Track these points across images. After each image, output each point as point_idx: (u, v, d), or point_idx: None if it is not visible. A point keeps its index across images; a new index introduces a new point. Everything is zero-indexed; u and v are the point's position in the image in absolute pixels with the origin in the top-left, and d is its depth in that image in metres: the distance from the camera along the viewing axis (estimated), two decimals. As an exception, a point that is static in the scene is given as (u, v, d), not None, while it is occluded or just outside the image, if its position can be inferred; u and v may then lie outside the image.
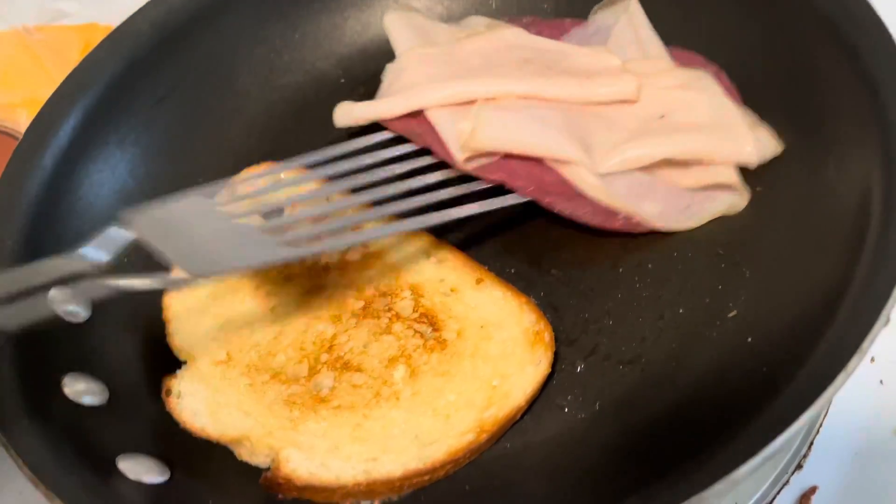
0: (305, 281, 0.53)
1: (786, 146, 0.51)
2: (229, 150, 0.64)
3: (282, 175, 0.56)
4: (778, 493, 0.49)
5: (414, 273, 0.52)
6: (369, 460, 0.45)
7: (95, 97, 0.60)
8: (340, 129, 0.63)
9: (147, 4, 0.64)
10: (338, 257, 0.54)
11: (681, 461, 0.39)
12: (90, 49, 0.81)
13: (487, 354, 0.48)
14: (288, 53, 0.68)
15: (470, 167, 0.53)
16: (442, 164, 0.54)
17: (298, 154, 0.60)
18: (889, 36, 0.47)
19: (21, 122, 0.77)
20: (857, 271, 0.40)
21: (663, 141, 0.52)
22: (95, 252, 0.44)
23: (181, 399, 0.49)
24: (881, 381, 0.51)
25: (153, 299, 0.55)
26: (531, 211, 0.55)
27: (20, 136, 0.74)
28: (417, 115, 0.57)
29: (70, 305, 0.51)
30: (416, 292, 0.51)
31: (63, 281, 0.44)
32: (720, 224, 0.51)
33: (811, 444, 0.49)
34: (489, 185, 0.53)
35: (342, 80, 0.67)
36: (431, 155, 0.55)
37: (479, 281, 0.51)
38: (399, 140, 0.57)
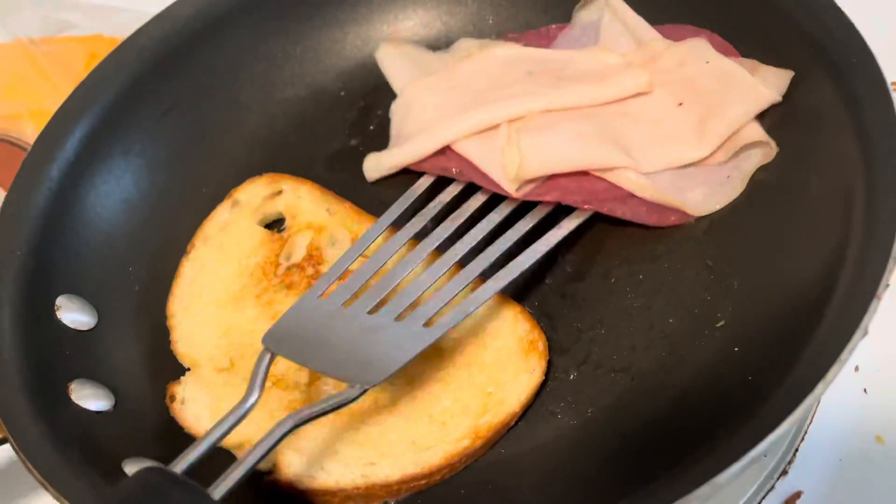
0: (306, 289, 0.55)
1: (770, 163, 0.53)
2: (231, 162, 0.65)
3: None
4: (763, 498, 0.50)
5: (411, 283, 0.54)
6: (368, 465, 0.46)
7: (101, 111, 0.62)
8: (342, 143, 0.65)
9: (151, 20, 0.66)
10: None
11: (669, 467, 0.41)
12: (95, 60, 0.83)
13: (483, 362, 0.49)
14: (289, 68, 0.69)
15: (522, 194, 0.53)
16: (494, 195, 0.55)
17: (299, 167, 0.63)
18: (871, 57, 0.49)
19: (27, 132, 0.78)
20: (838, 285, 0.41)
21: (701, 140, 0.53)
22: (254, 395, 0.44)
23: (185, 405, 0.50)
24: (865, 390, 0.53)
25: (158, 307, 0.56)
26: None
27: (26, 147, 0.77)
28: (445, 150, 0.57)
29: (76, 314, 0.53)
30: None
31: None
32: (710, 236, 0.53)
33: (796, 450, 0.51)
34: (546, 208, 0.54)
35: (342, 94, 0.68)
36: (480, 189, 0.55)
37: (474, 290, 0.53)
38: (442, 181, 0.57)
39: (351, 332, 0.47)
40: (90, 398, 0.49)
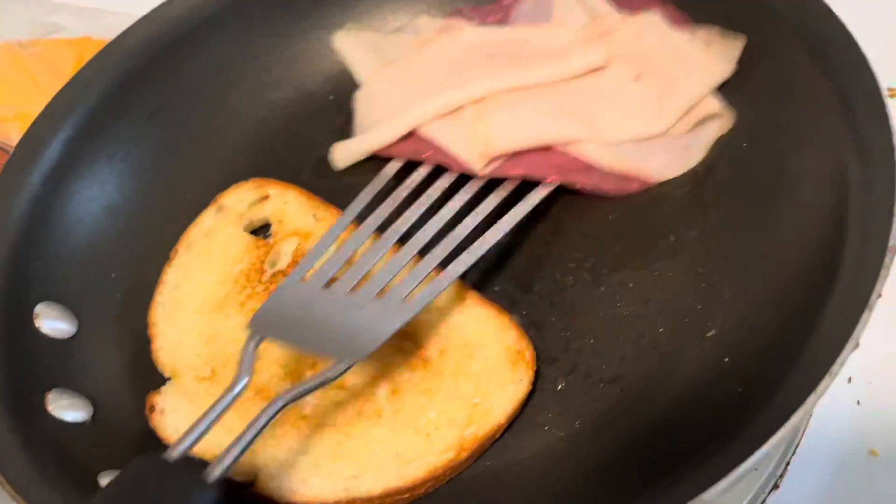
0: (291, 297, 0.54)
1: (758, 174, 0.52)
2: (218, 166, 0.64)
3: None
4: (755, 512, 0.49)
5: (398, 291, 0.53)
6: (350, 478, 0.45)
7: (85, 113, 0.61)
8: (330, 148, 0.64)
9: (138, 21, 0.65)
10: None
11: (657, 481, 0.40)
12: (84, 63, 0.83)
13: (469, 373, 0.48)
14: (278, 71, 0.68)
15: (488, 171, 0.54)
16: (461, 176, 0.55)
17: (286, 172, 0.62)
18: (866, 61, 0.48)
19: (13, 136, 0.77)
20: (829, 296, 0.40)
21: (660, 114, 0.55)
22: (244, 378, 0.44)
23: (165, 415, 0.49)
24: (858, 402, 0.52)
25: (139, 315, 0.55)
26: (515, 226, 0.56)
27: (11, 150, 0.76)
28: (411, 135, 0.58)
29: (55, 322, 0.52)
30: (400, 310, 0.52)
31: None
32: (700, 244, 0.52)
33: (788, 463, 0.50)
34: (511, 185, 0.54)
35: (331, 97, 0.67)
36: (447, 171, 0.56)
37: (461, 299, 0.52)
38: (411, 165, 0.57)
39: (333, 311, 0.48)
40: (67, 409, 0.48)
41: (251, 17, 0.68)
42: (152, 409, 0.49)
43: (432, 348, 0.50)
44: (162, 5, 0.66)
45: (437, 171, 0.56)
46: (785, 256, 0.47)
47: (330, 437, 0.47)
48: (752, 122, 0.54)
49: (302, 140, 0.65)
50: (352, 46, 0.67)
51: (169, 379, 0.51)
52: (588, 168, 0.55)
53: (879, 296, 0.38)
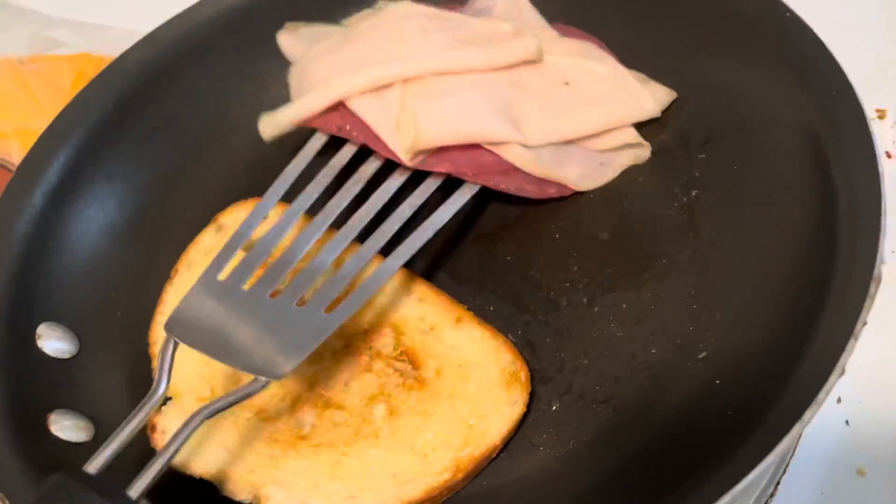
0: (289, 318, 0.54)
1: (748, 197, 0.53)
2: (216, 185, 0.65)
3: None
4: (745, 531, 0.50)
5: (395, 310, 0.54)
6: (348, 498, 0.46)
7: (85, 135, 0.62)
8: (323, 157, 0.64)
9: (136, 43, 0.66)
10: (321, 294, 0.55)
11: (649, 501, 0.41)
12: (82, 79, 0.83)
13: (465, 394, 0.49)
14: (275, 90, 0.69)
15: (414, 163, 0.55)
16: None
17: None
18: (850, 86, 0.49)
19: (12, 152, 0.78)
20: (817, 321, 0.41)
21: (585, 118, 0.57)
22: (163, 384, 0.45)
23: (165, 435, 0.50)
24: (847, 422, 0.53)
25: (140, 335, 0.56)
26: (511, 247, 0.57)
27: (11, 167, 0.76)
28: (340, 108, 0.57)
29: (57, 342, 0.52)
30: (397, 330, 0.53)
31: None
32: (693, 265, 0.53)
33: (778, 483, 0.51)
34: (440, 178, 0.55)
35: (328, 116, 0.68)
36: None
37: (458, 320, 0.52)
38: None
39: (252, 319, 0.47)
40: (70, 429, 0.49)
41: (248, 37, 0.69)
42: (153, 429, 0.50)
43: (428, 369, 0.51)
44: (160, 27, 0.67)
45: (366, 153, 0.56)
46: (774, 281, 0.48)
47: (328, 457, 0.47)
48: (742, 147, 0.54)
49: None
50: (291, 39, 0.66)
51: (169, 399, 0.52)
52: (512, 170, 0.55)
53: (865, 324, 0.39)
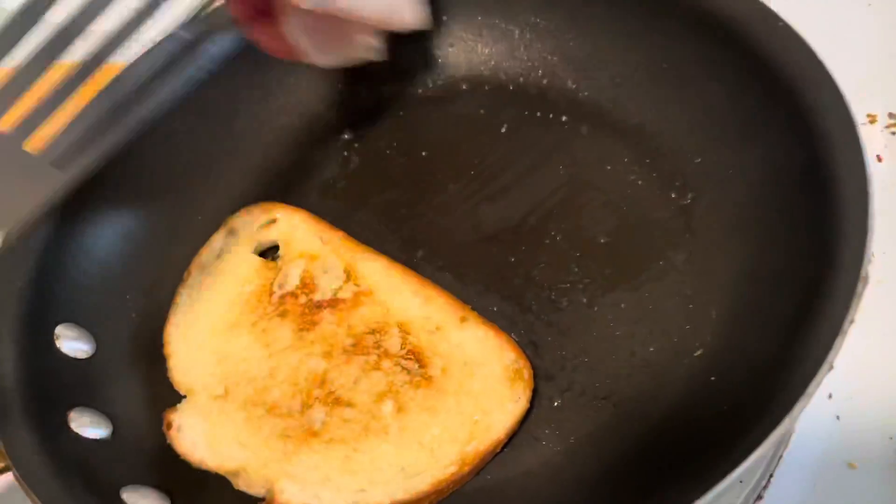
0: (299, 318, 0.56)
1: (742, 199, 0.55)
2: (226, 191, 0.67)
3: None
4: (740, 522, 0.52)
5: (402, 311, 0.55)
6: (358, 491, 0.48)
7: (100, 141, 0.63)
8: (335, 172, 0.66)
9: (147, 51, 0.67)
10: (330, 295, 0.57)
11: (646, 495, 0.43)
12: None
13: (470, 391, 0.51)
14: (283, 97, 0.71)
15: None
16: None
17: (293, 195, 0.65)
18: (839, 93, 0.51)
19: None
20: (806, 320, 0.43)
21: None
22: None
23: (181, 432, 0.51)
24: (837, 417, 0.55)
25: (155, 335, 0.58)
26: (513, 249, 0.59)
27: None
28: None
29: (74, 343, 0.54)
30: (404, 330, 0.54)
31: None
32: (690, 266, 0.55)
33: (771, 475, 0.52)
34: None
35: (335, 122, 0.70)
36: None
37: (463, 319, 0.54)
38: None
39: None
40: (89, 426, 0.51)
41: (256, 47, 0.70)
42: (169, 426, 0.52)
43: (435, 367, 0.52)
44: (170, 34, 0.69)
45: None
46: (768, 282, 0.49)
47: (339, 452, 0.49)
48: (735, 153, 0.56)
49: (307, 164, 0.68)
50: None
51: (184, 397, 0.54)
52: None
53: (852, 322, 0.41)
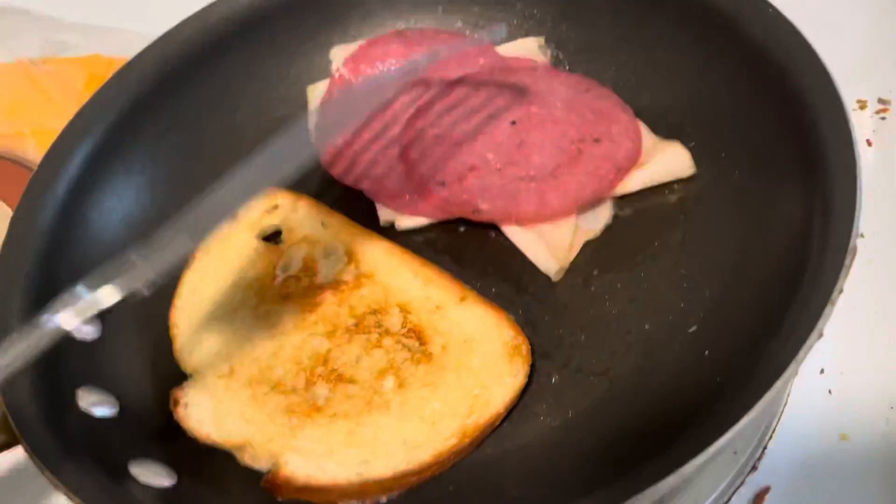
0: (302, 300, 0.57)
1: (735, 182, 0.56)
2: (229, 177, 0.68)
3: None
4: (734, 492, 0.53)
5: (402, 292, 0.57)
6: (362, 463, 0.49)
7: (104, 131, 0.64)
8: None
9: (151, 45, 0.69)
10: (332, 277, 0.58)
11: (643, 461, 0.44)
12: (94, 80, 0.86)
13: (470, 367, 0.52)
14: (283, 88, 0.72)
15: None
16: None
17: (294, 182, 0.66)
18: (829, 77, 0.52)
19: (29, 151, 0.81)
20: (797, 293, 0.44)
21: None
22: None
23: (188, 409, 0.53)
24: (829, 391, 0.56)
25: (160, 318, 0.59)
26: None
27: (27, 164, 0.79)
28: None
29: (81, 325, 0.55)
30: (405, 309, 0.56)
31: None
32: (684, 246, 0.56)
33: (765, 447, 0.54)
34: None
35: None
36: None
37: (462, 299, 0.55)
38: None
39: None
40: (97, 404, 0.52)
41: (257, 39, 0.72)
42: (176, 403, 0.53)
43: (435, 344, 0.53)
44: (173, 29, 0.70)
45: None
46: (759, 259, 0.51)
47: (342, 426, 0.50)
48: (729, 137, 0.58)
49: (308, 153, 0.69)
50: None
51: (190, 376, 0.55)
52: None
53: (841, 291, 0.42)
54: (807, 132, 0.51)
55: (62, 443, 0.48)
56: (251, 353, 0.55)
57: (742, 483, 0.53)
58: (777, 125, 0.55)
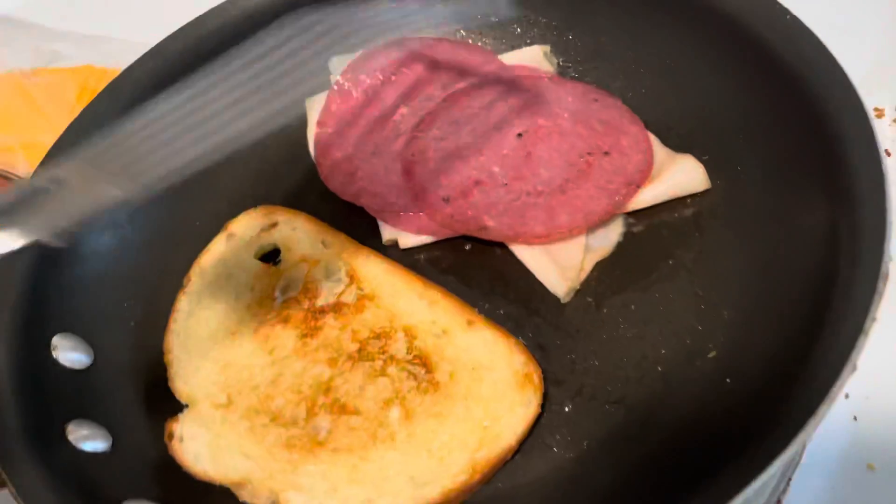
0: (302, 324, 0.55)
1: (752, 196, 0.54)
2: (224, 194, 0.66)
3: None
4: (758, 527, 0.51)
5: (407, 315, 0.54)
6: (366, 502, 0.46)
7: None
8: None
9: (143, 56, 0.67)
10: (333, 299, 0.56)
11: (663, 498, 0.41)
12: (86, 92, 0.84)
13: (479, 396, 0.50)
14: (281, 96, 0.70)
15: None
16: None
17: (292, 198, 0.64)
18: (851, 86, 0.50)
19: (18, 165, 0.79)
20: (826, 318, 0.42)
21: None
22: None
23: (183, 443, 0.50)
24: (855, 418, 0.54)
25: (154, 343, 0.57)
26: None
27: (18, 178, 0.77)
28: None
29: (72, 353, 0.53)
30: (410, 334, 0.53)
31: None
32: (699, 265, 0.54)
33: (789, 480, 0.51)
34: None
35: (333, 125, 0.69)
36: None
37: (469, 323, 0.53)
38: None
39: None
40: (87, 439, 0.49)
41: (254, 49, 0.69)
42: (171, 436, 0.50)
43: (442, 372, 0.51)
44: (167, 38, 0.68)
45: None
46: (781, 279, 0.48)
47: (346, 461, 0.48)
48: (746, 148, 0.55)
49: (306, 166, 0.67)
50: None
51: (186, 406, 0.52)
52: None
53: (874, 320, 0.39)
54: (829, 143, 0.49)
55: (51, 482, 0.46)
56: (250, 380, 0.53)
57: (766, 517, 0.51)
58: (796, 136, 0.52)
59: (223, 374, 0.53)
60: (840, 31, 0.57)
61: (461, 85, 0.64)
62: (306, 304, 0.56)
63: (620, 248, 0.57)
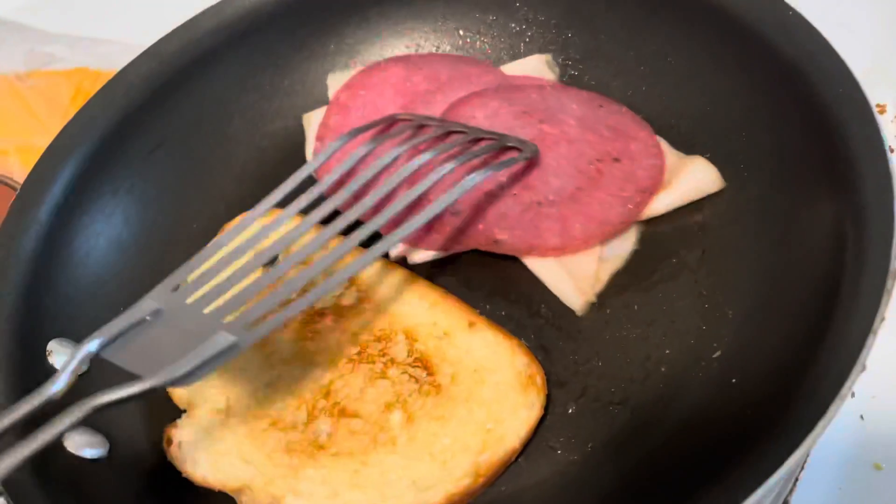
0: (301, 327, 0.54)
1: (756, 195, 0.53)
2: (221, 196, 0.65)
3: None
4: (765, 528, 0.50)
5: (407, 317, 0.54)
6: (368, 507, 0.46)
7: (89, 150, 0.62)
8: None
9: (138, 57, 0.66)
10: (332, 302, 0.55)
11: (669, 500, 0.41)
12: (81, 94, 0.83)
13: (481, 398, 0.49)
14: (277, 100, 0.69)
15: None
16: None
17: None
18: (856, 83, 0.49)
19: (13, 169, 0.78)
20: (833, 317, 0.41)
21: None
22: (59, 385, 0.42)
23: (182, 449, 0.49)
24: (861, 417, 0.53)
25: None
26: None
27: (12, 183, 0.76)
28: None
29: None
30: (410, 336, 0.53)
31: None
32: (703, 265, 0.53)
33: (796, 480, 0.51)
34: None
35: (331, 125, 0.68)
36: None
37: (471, 324, 0.52)
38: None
39: (178, 330, 0.44)
40: (85, 446, 0.49)
41: (250, 50, 0.69)
42: (169, 442, 0.50)
43: (443, 374, 0.50)
44: (161, 40, 0.67)
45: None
46: (787, 277, 0.48)
47: (347, 466, 0.47)
48: (750, 145, 0.55)
49: (303, 168, 0.66)
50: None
51: (184, 411, 0.52)
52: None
53: (883, 319, 0.39)
54: (834, 141, 0.48)
55: (48, 491, 0.45)
56: (248, 385, 0.52)
57: (773, 518, 0.50)
58: (799, 133, 0.52)
59: (221, 379, 0.53)
60: (842, 27, 0.57)
61: (462, 95, 0.63)
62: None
63: (622, 247, 0.56)
